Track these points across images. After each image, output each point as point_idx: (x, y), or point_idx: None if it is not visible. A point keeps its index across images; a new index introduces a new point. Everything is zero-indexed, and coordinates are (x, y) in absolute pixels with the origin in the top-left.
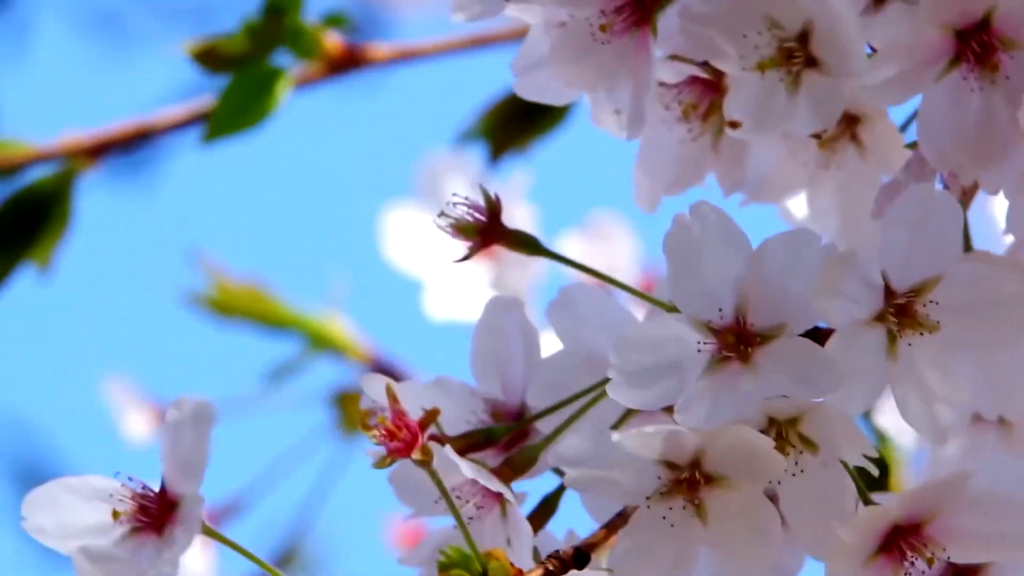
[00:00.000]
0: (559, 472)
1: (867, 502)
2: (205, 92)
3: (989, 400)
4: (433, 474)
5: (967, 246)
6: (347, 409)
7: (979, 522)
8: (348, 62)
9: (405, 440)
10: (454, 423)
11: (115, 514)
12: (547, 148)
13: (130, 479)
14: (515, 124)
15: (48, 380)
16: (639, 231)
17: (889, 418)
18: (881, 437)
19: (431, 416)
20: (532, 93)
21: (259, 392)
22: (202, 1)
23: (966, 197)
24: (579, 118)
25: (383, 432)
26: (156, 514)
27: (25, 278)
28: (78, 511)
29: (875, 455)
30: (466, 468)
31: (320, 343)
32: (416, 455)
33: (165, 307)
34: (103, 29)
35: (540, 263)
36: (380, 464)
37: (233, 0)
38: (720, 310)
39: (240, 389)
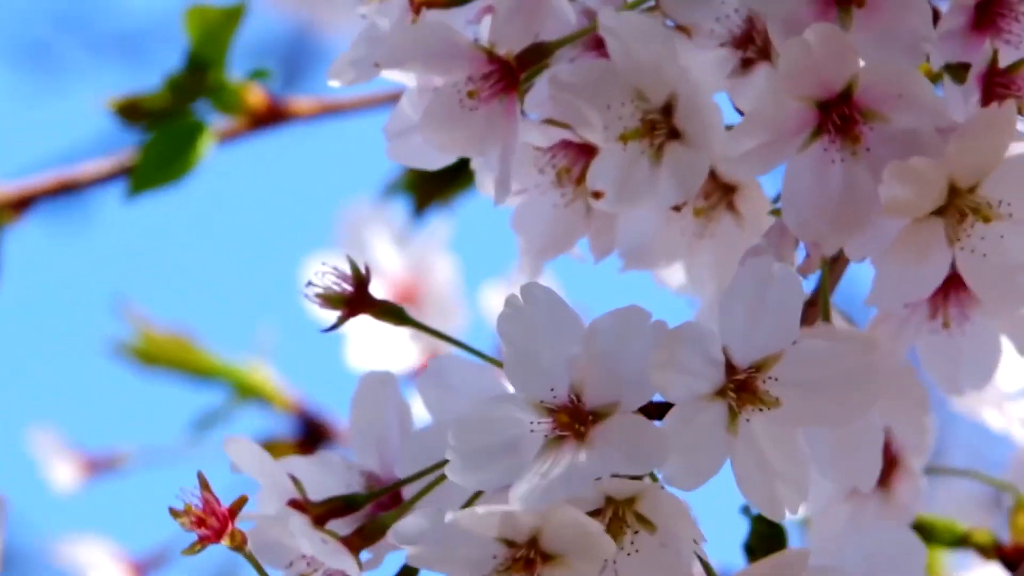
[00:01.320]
0: None
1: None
2: (132, 136)
3: (841, 472)
4: (250, 557)
5: (825, 316)
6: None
7: None
8: (271, 116)
9: (213, 527)
10: (331, 495)
11: None
12: (470, 197)
13: None
14: (438, 178)
15: None
16: (562, 281)
17: None
18: None
19: (239, 503)
20: (404, 158)
21: (185, 442)
22: (131, 32)
23: (837, 267)
24: None
25: (192, 519)
26: None
27: None
28: None
29: (703, 539)
30: (307, 543)
31: (246, 392)
32: (226, 541)
33: (91, 357)
34: (33, 59)
35: (461, 315)
36: (189, 551)
37: (163, 31)
38: (553, 389)
39: (166, 439)
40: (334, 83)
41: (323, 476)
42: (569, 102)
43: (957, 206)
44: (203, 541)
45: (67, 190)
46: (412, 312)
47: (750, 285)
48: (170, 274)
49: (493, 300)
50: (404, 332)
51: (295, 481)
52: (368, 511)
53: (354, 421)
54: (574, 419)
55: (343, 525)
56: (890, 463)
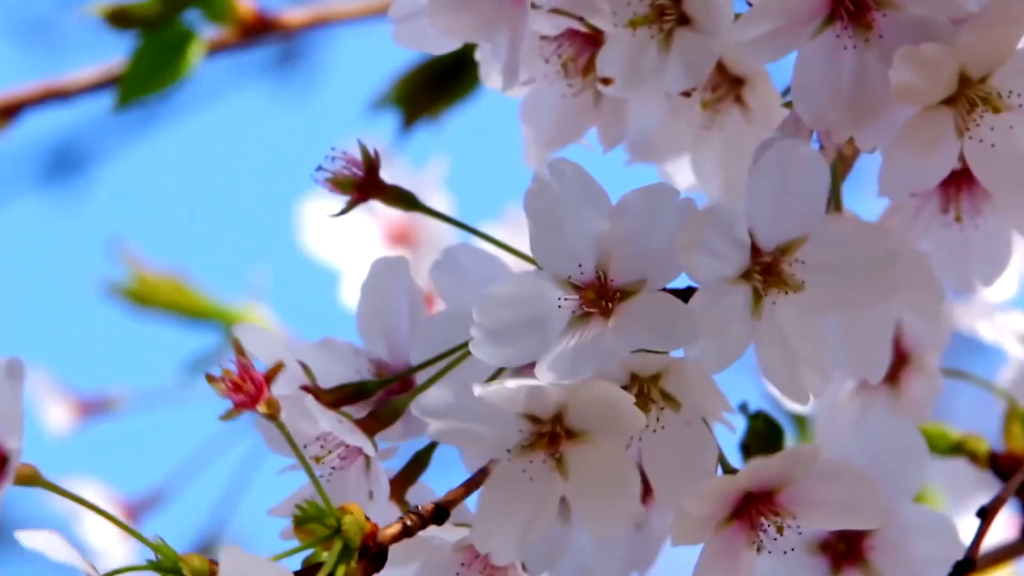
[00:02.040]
0: None
1: (725, 467)
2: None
3: (851, 363)
4: (281, 427)
5: (837, 209)
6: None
7: (827, 492)
8: (261, 27)
9: (250, 393)
10: (339, 383)
11: None
12: (466, 138)
13: None
14: (428, 92)
15: None
16: None
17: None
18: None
19: (276, 369)
20: (410, 42)
21: (179, 384)
22: None
23: (846, 160)
24: (496, 101)
25: (228, 384)
26: None
27: None
28: None
29: (732, 411)
30: (324, 420)
31: None
32: (261, 408)
33: (85, 298)
34: (33, 36)
35: None
36: (226, 417)
37: None
38: (580, 266)
39: (160, 381)
40: None
41: (331, 362)
42: None
43: (967, 96)
44: (239, 407)
45: (56, 98)
46: (405, 252)
47: (776, 167)
48: (164, 215)
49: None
50: None
51: (305, 369)
52: (378, 398)
53: (363, 306)
54: (600, 296)
55: (353, 413)
56: (900, 359)
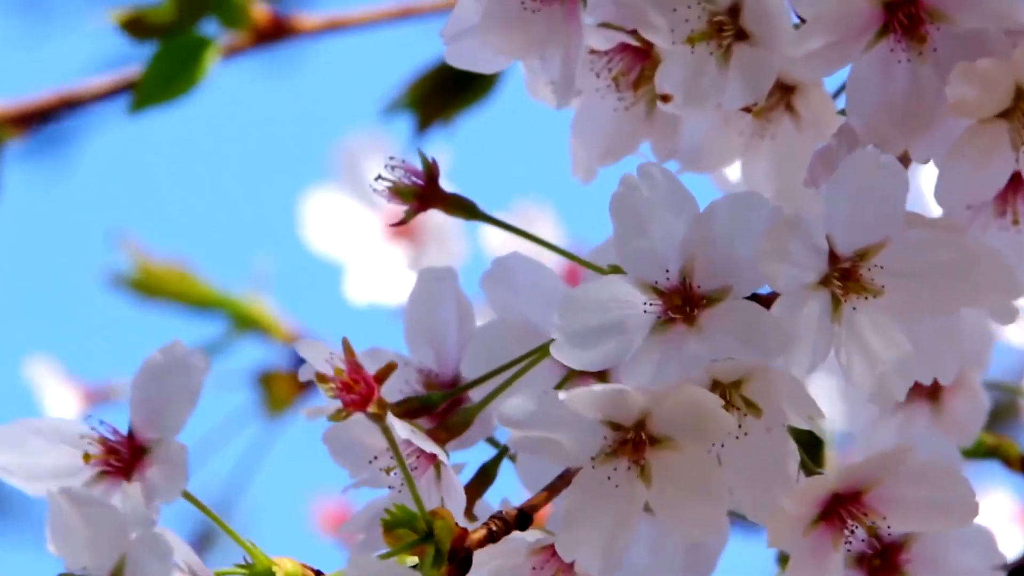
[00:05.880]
0: (494, 443)
1: (807, 469)
2: (130, 63)
3: (919, 367)
4: (386, 430)
5: None
6: (272, 389)
7: (917, 492)
8: (275, 32)
9: (362, 393)
10: (387, 393)
11: (86, 457)
12: (472, 133)
13: (101, 422)
14: (441, 96)
15: None
16: (562, 219)
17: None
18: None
19: (388, 370)
20: (462, 61)
21: None
22: None
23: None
24: (504, 101)
25: (339, 385)
26: (126, 459)
27: None
28: (44, 452)
29: (822, 416)
30: (401, 429)
31: (244, 324)
32: (372, 408)
33: (89, 287)
34: (25, 4)
35: (460, 244)
36: (336, 417)
37: None
38: (667, 271)
39: None
40: None
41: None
42: (633, 5)
43: (1022, 109)
44: (349, 407)
45: (69, 106)
46: (407, 244)
47: (855, 173)
48: (167, 204)
49: (493, 234)
50: (402, 266)
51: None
52: (441, 410)
53: (410, 316)
54: (685, 302)
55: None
56: None
